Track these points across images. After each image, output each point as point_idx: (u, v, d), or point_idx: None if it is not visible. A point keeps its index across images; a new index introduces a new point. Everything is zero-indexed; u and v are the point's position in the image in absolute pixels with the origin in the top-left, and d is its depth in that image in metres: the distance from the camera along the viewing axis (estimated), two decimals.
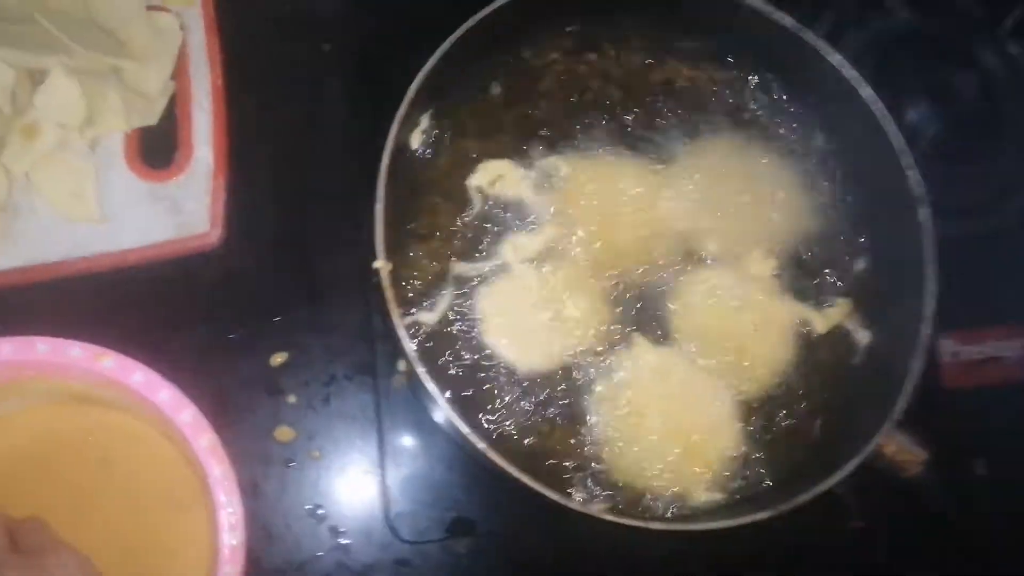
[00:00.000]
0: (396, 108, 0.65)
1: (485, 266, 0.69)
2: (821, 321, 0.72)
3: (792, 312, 0.72)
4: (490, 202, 0.71)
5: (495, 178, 0.72)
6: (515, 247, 0.70)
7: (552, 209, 0.71)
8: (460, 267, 0.69)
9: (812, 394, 0.70)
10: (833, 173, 0.76)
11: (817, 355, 0.71)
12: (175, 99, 0.75)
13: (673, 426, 0.67)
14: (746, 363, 0.70)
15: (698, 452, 0.67)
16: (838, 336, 0.72)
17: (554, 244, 0.71)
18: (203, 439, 0.58)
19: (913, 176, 0.68)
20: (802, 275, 0.73)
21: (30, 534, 0.58)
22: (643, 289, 0.71)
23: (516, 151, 0.73)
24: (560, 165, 0.73)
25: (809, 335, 0.72)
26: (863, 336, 0.72)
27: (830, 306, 0.72)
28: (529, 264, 0.70)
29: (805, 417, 0.70)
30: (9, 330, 0.58)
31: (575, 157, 0.73)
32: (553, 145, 0.73)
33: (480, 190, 0.71)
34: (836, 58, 0.70)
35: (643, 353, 0.69)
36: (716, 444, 0.67)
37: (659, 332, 0.70)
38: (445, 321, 0.67)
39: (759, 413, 0.69)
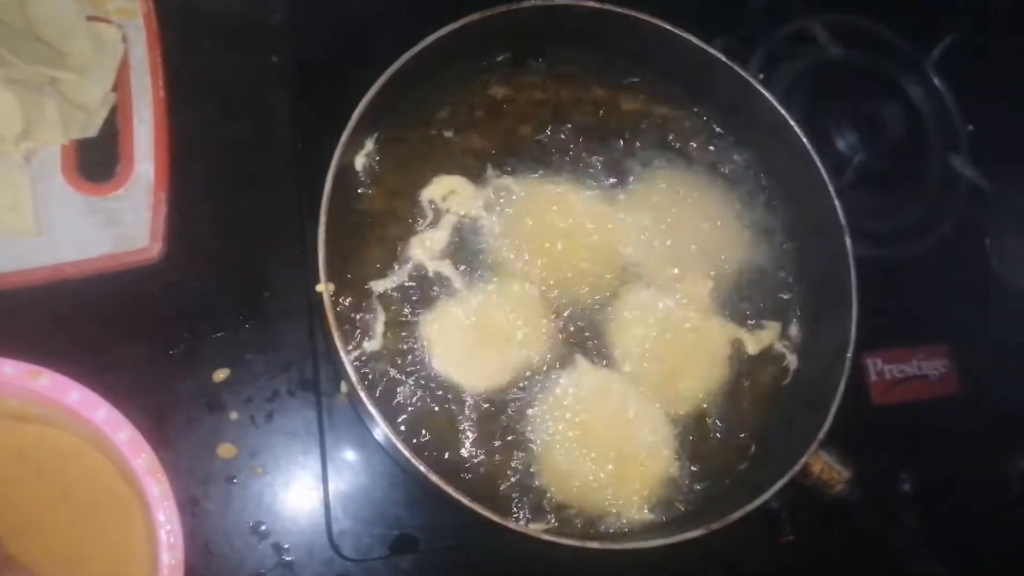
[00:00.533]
0: (342, 124, 0.66)
1: (403, 274, 0.70)
2: (753, 342, 0.75)
3: (725, 332, 0.75)
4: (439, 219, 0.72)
5: (447, 192, 0.73)
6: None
7: (500, 229, 0.73)
8: (382, 284, 0.70)
9: (744, 414, 0.73)
10: (766, 201, 0.79)
11: (749, 376, 0.74)
12: (116, 111, 0.74)
13: (609, 447, 0.69)
14: (681, 381, 0.72)
15: (634, 472, 0.69)
16: (769, 358, 0.75)
17: (501, 263, 0.72)
18: (141, 458, 0.58)
19: (837, 205, 0.71)
20: (736, 297, 0.76)
21: None
22: (585, 308, 0.73)
23: (465, 172, 0.74)
24: (511, 186, 0.74)
25: (741, 357, 0.74)
26: (792, 359, 0.75)
27: (761, 328, 0.75)
28: (469, 281, 0.71)
29: (737, 436, 0.72)
30: None
31: (525, 180, 0.75)
32: (502, 168, 0.75)
33: (433, 203, 0.72)
34: (766, 91, 0.74)
35: (582, 375, 0.70)
36: (651, 465, 0.69)
37: (598, 351, 0.72)
38: (388, 342, 0.68)
39: (693, 432, 0.72)
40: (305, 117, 0.79)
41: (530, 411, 0.69)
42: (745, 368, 0.74)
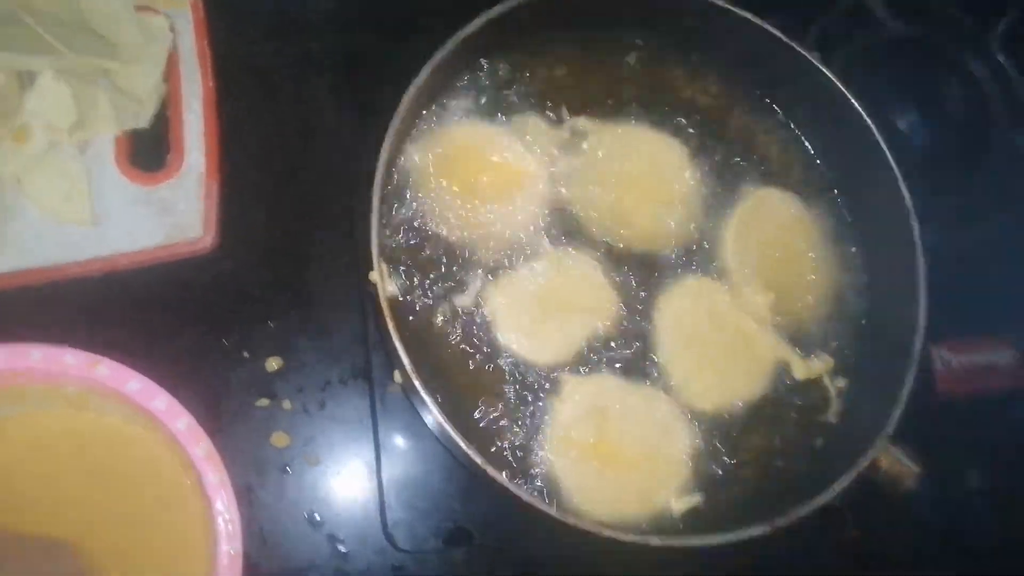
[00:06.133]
0: (388, 107, 0.65)
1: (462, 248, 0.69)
2: (801, 368, 0.72)
3: (775, 350, 0.72)
4: None
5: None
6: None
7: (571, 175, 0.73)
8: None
9: (800, 417, 0.71)
10: (832, 198, 0.77)
11: (787, 399, 0.72)
12: (166, 101, 0.75)
13: (635, 441, 0.68)
14: (715, 381, 0.70)
15: (658, 461, 0.68)
16: (814, 388, 0.73)
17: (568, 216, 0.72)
18: (199, 447, 0.58)
19: (903, 188, 0.69)
20: (796, 318, 0.74)
21: None
22: (641, 281, 0.72)
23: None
24: (587, 126, 0.74)
25: (785, 379, 0.73)
26: (837, 403, 0.72)
27: (814, 357, 0.73)
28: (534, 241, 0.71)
29: (798, 434, 0.70)
30: (0, 334, 0.58)
31: (601, 123, 0.74)
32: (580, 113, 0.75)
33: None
34: (826, 72, 0.72)
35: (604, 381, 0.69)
36: (671, 449, 0.68)
37: (640, 331, 0.71)
38: (443, 328, 0.68)
39: (738, 431, 0.70)
40: (351, 104, 0.79)
41: (553, 413, 0.68)
42: (786, 390, 0.72)
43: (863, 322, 0.74)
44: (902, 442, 0.64)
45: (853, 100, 0.71)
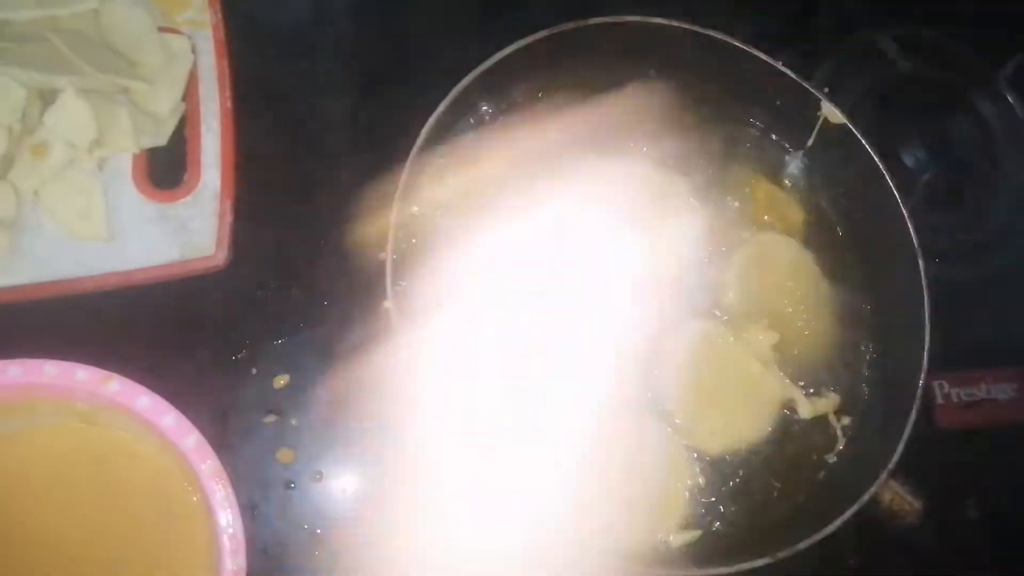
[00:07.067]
0: (404, 133, 0.66)
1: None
2: (807, 407, 0.72)
3: (781, 389, 0.72)
4: None
5: None
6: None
7: None
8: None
9: (803, 454, 0.71)
10: (834, 227, 0.78)
11: (793, 438, 0.72)
12: (184, 120, 0.76)
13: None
14: (721, 422, 0.70)
15: (660, 496, 0.68)
16: (820, 427, 0.72)
17: None
18: (206, 464, 0.59)
19: (910, 227, 0.69)
20: (800, 358, 0.74)
21: None
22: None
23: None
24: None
25: (791, 418, 0.73)
26: (842, 440, 0.72)
27: (819, 396, 0.73)
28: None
29: (801, 470, 0.71)
30: (14, 347, 0.59)
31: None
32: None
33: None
34: (835, 110, 0.72)
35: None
36: (673, 484, 0.68)
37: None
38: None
39: (741, 467, 0.70)
40: (367, 128, 0.80)
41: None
42: (791, 429, 0.72)
43: (867, 359, 0.74)
44: (902, 475, 0.65)
45: (860, 137, 0.72)
